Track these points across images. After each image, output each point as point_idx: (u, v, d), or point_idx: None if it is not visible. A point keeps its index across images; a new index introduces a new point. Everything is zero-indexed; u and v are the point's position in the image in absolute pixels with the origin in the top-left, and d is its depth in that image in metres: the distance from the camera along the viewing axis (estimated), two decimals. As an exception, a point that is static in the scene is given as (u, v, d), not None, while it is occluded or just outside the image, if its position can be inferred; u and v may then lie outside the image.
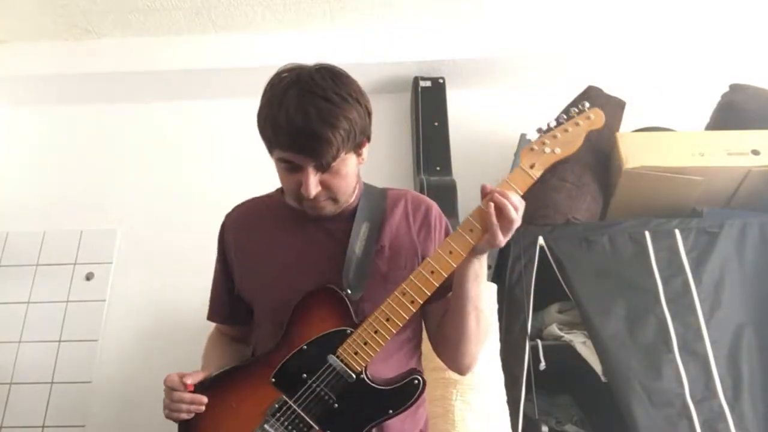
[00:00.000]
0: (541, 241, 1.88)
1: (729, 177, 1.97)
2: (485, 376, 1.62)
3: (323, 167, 1.05)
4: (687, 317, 1.75)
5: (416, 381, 1.07)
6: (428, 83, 2.54)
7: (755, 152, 1.93)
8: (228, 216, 1.31)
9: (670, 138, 2.09)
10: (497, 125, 2.57)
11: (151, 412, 2.15)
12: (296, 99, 1.03)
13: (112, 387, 2.24)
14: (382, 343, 1.04)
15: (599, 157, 2.10)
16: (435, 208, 1.26)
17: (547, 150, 1.09)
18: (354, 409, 1.05)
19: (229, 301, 1.27)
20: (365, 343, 1.04)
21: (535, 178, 1.08)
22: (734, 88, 2.25)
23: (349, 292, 1.09)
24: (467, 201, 2.24)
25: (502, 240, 1.04)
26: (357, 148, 1.12)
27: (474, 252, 1.07)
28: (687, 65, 2.59)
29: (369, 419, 1.05)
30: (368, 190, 1.25)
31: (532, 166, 1.09)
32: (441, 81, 2.55)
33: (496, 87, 2.66)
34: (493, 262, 1.98)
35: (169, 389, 1.08)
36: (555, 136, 1.10)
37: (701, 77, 2.59)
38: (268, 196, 1.30)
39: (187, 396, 1.07)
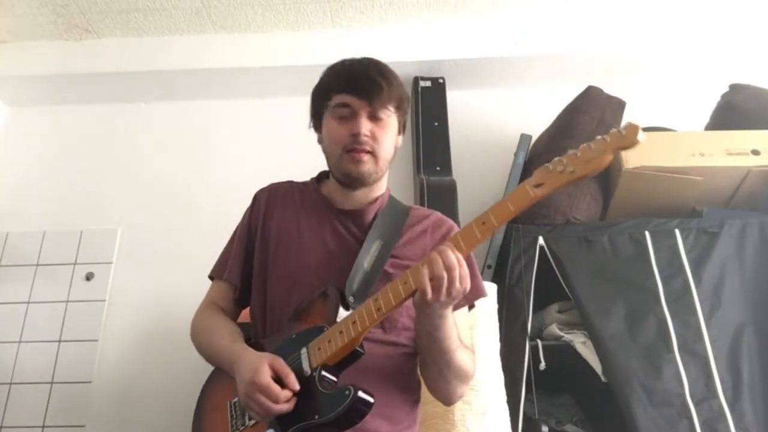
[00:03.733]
0: (541, 241, 1.89)
1: (729, 177, 1.97)
2: (485, 376, 1.62)
3: (374, 114, 1.18)
4: (687, 317, 1.75)
5: (347, 392, 0.98)
6: (428, 83, 2.54)
7: (755, 152, 1.93)
8: (262, 190, 1.35)
9: (670, 138, 2.09)
10: (497, 125, 2.57)
11: (151, 411, 2.17)
12: (358, 60, 1.23)
13: (112, 387, 2.24)
14: (341, 344, 1.02)
15: (599, 157, 2.09)
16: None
17: (560, 168, 0.95)
18: (295, 405, 1.02)
19: (244, 265, 1.27)
20: (329, 341, 1.04)
21: (536, 198, 0.96)
22: (734, 88, 2.25)
23: (352, 300, 1.10)
24: (467, 201, 2.24)
25: (433, 307, 0.99)
26: (401, 119, 1.26)
27: (424, 308, 1.01)
28: (687, 65, 2.59)
29: (297, 419, 1.00)
30: (392, 205, 1.28)
31: (538, 186, 0.96)
32: (441, 81, 2.55)
33: (496, 87, 2.66)
34: (493, 262, 1.98)
35: (268, 393, 1.00)
36: (576, 155, 0.95)
37: (701, 77, 2.59)
38: (303, 183, 1.35)
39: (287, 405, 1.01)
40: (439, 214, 1.31)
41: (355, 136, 1.16)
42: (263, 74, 2.56)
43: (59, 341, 2.31)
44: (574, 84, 2.30)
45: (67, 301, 2.37)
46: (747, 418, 1.63)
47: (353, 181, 1.21)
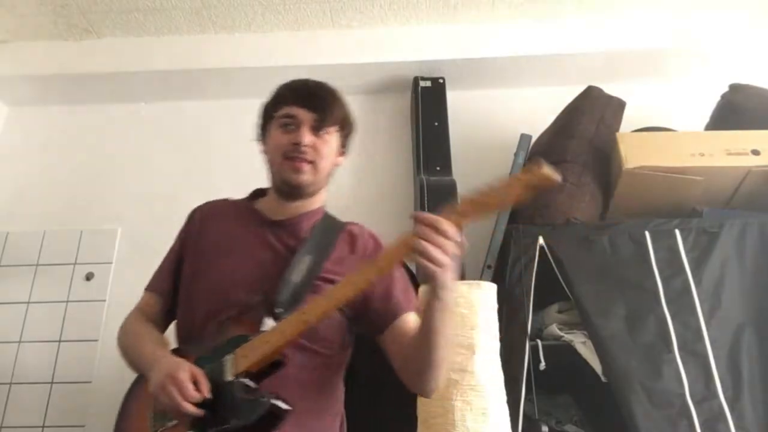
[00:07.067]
0: (541, 241, 1.88)
1: (729, 177, 1.97)
2: (485, 376, 1.62)
3: (317, 128, 1.23)
4: (687, 317, 1.75)
5: (263, 399, 1.03)
6: (428, 83, 2.53)
7: (755, 152, 1.93)
8: (198, 207, 1.41)
9: (670, 138, 2.09)
10: (497, 125, 2.57)
11: (151, 412, 2.17)
12: (310, 79, 1.30)
13: (112, 387, 2.22)
14: (267, 351, 1.05)
15: (599, 157, 2.10)
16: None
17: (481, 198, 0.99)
18: (211, 408, 1.04)
19: (173, 278, 1.32)
20: (253, 349, 1.06)
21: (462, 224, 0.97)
22: (734, 88, 2.25)
23: (281, 311, 1.12)
24: (467, 201, 2.24)
25: (442, 281, 0.97)
26: (343, 140, 1.31)
27: (433, 287, 1.00)
28: (687, 65, 2.59)
29: (215, 423, 1.03)
30: (327, 220, 1.30)
31: (463, 215, 0.98)
32: (441, 81, 2.55)
33: (496, 87, 2.66)
34: (493, 262, 1.98)
35: (181, 388, 1.03)
36: (493, 187, 0.99)
37: (701, 77, 2.59)
38: (239, 200, 1.39)
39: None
40: (369, 231, 1.32)
41: (297, 145, 1.21)
42: (263, 74, 2.55)
43: (59, 341, 2.31)
44: (574, 84, 2.30)
45: (67, 301, 2.37)
46: (747, 418, 1.63)
47: (292, 189, 1.25)
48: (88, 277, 2.41)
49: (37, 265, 2.44)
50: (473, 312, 1.63)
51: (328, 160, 1.26)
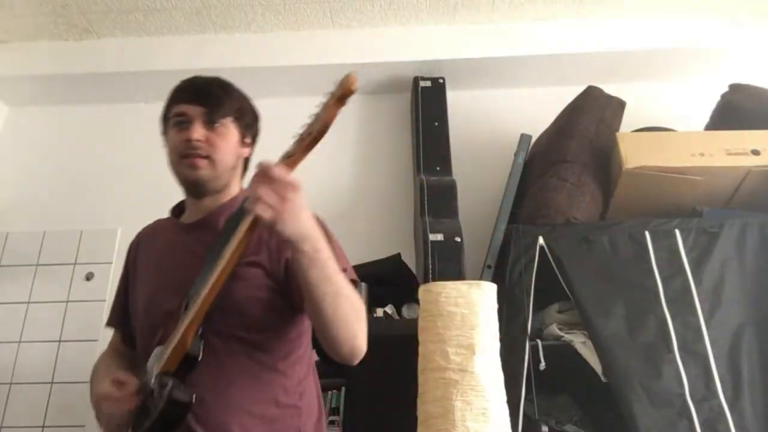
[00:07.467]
0: (541, 241, 1.88)
1: (729, 177, 1.97)
2: (485, 376, 1.62)
3: (209, 121, 1.21)
4: (687, 317, 1.75)
5: (162, 394, 1.02)
6: (428, 83, 2.54)
7: (755, 152, 1.94)
8: (136, 235, 1.43)
9: (670, 138, 2.10)
10: (497, 125, 2.57)
11: (151, 412, 2.17)
12: (203, 76, 1.28)
13: (112, 387, 2.24)
14: (172, 348, 1.05)
15: (599, 157, 2.10)
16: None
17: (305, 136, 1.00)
18: (137, 412, 1.06)
19: (123, 309, 1.33)
20: (166, 350, 1.07)
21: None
22: (734, 88, 2.25)
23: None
24: (467, 201, 2.24)
25: (283, 226, 0.94)
26: (244, 130, 1.28)
27: (290, 241, 0.97)
28: (687, 65, 2.59)
29: (138, 428, 1.05)
30: (243, 210, 1.22)
31: (295, 156, 1.01)
32: (441, 81, 2.55)
33: (496, 87, 2.67)
34: (493, 262, 1.98)
35: (108, 398, 1.09)
36: (312, 121, 1.00)
37: (701, 77, 2.60)
38: (167, 218, 1.40)
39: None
40: None
41: (188, 141, 1.20)
42: (263, 74, 2.56)
43: (59, 341, 2.31)
44: (574, 84, 2.30)
45: (67, 301, 2.37)
46: (747, 418, 1.63)
47: (192, 186, 1.26)
48: (88, 277, 2.41)
49: (37, 265, 2.44)
50: (473, 312, 1.63)
51: (226, 152, 1.24)
